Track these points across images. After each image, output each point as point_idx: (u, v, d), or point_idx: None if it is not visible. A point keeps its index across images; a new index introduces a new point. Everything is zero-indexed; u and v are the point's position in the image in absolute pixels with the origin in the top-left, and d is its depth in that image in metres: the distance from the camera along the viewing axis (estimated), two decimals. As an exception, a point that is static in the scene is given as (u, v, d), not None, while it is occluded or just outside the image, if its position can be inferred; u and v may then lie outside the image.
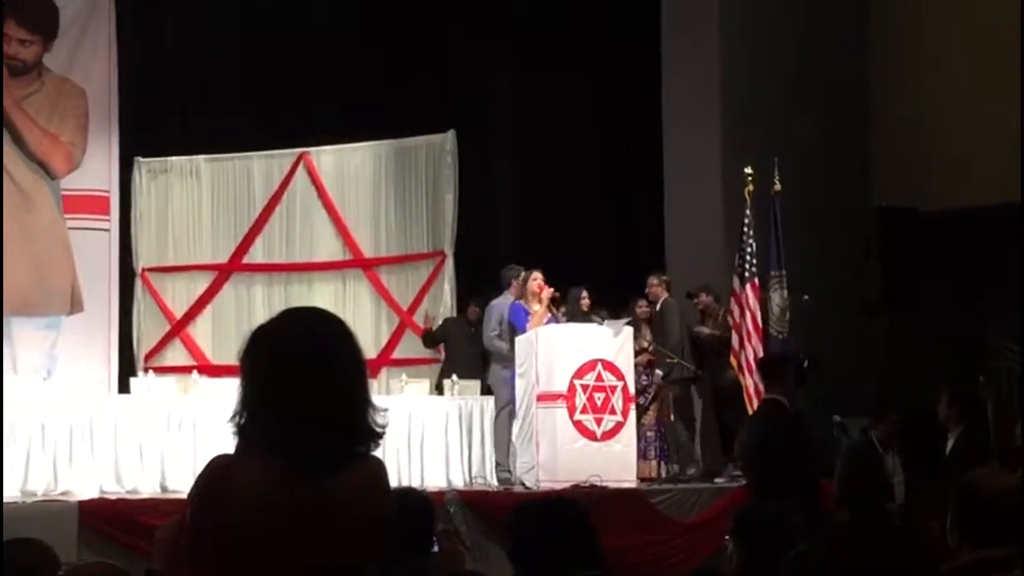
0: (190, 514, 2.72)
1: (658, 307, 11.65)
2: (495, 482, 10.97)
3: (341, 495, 2.73)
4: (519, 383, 10.87)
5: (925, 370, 11.90)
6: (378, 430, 2.80)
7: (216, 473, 2.74)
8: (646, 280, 11.77)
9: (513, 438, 11.00)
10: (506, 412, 11.04)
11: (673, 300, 11.66)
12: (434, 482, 10.78)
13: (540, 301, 11.03)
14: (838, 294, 12.53)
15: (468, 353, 11.98)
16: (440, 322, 12.75)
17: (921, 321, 12.77)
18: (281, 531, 2.68)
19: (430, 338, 12.73)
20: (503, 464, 11.04)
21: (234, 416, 2.77)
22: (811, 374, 11.76)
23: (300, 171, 13.65)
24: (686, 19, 13.33)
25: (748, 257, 11.50)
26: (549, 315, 11.05)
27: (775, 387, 8.24)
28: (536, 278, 11.11)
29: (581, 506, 3.86)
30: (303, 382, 2.74)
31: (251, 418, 2.76)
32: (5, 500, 9.25)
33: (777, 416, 8.14)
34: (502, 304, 11.36)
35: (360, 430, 2.78)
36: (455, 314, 12.74)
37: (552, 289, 11.11)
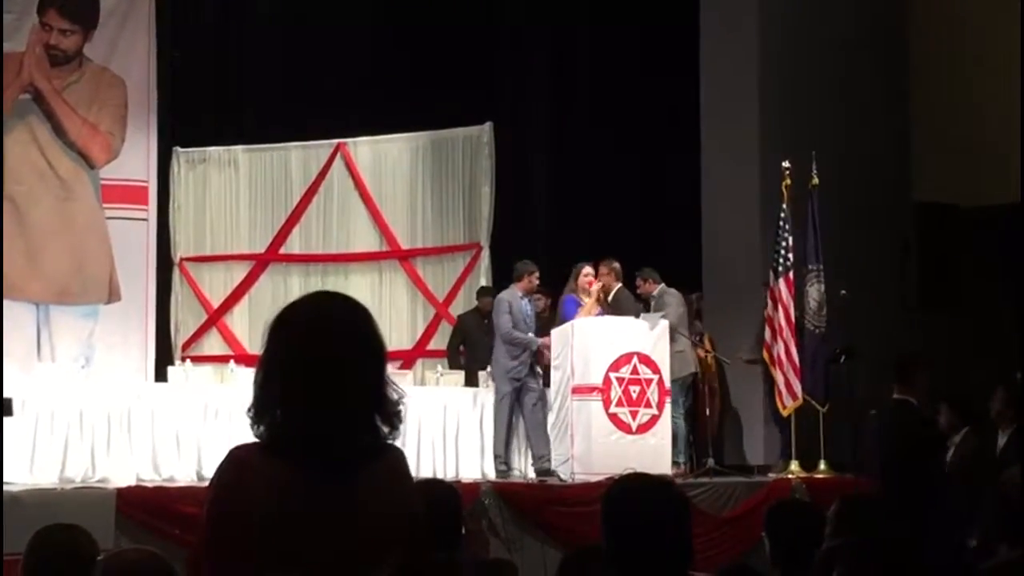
0: (209, 501, 2.72)
1: (610, 298, 11.40)
2: (531, 474, 10.97)
3: (361, 491, 2.72)
4: (554, 375, 10.86)
5: (964, 367, 11.83)
6: (397, 410, 2.78)
7: (235, 463, 2.73)
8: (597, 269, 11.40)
9: (548, 429, 10.99)
10: (506, 403, 10.97)
11: (626, 290, 11.58)
12: (469, 474, 10.80)
13: (592, 295, 11.01)
14: (877, 290, 12.46)
15: (485, 344, 11.97)
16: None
17: (960, 318, 12.70)
18: (300, 525, 2.67)
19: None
20: (501, 456, 10.89)
21: (250, 409, 2.77)
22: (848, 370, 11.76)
23: (337, 162, 13.69)
24: (725, 12, 13.27)
25: (783, 251, 11.47)
26: (600, 308, 11.02)
27: (906, 389, 8.03)
28: (588, 273, 11.07)
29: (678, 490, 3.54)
30: (315, 379, 2.71)
31: (262, 413, 2.74)
32: (43, 486, 9.38)
33: (910, 420, 7.99)
34: (508, 297, 11.12)
35: (378, 417, 2.76)
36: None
37: (602, 283, 11.09)
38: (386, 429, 2.78)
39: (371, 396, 2.76)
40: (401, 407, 2.80)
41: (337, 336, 2.77)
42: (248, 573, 2.65)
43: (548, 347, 10.95)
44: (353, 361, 2.75)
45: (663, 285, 11.55)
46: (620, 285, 11.52)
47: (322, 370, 2.72)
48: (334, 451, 2.70)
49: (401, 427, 2.81)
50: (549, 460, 10.83)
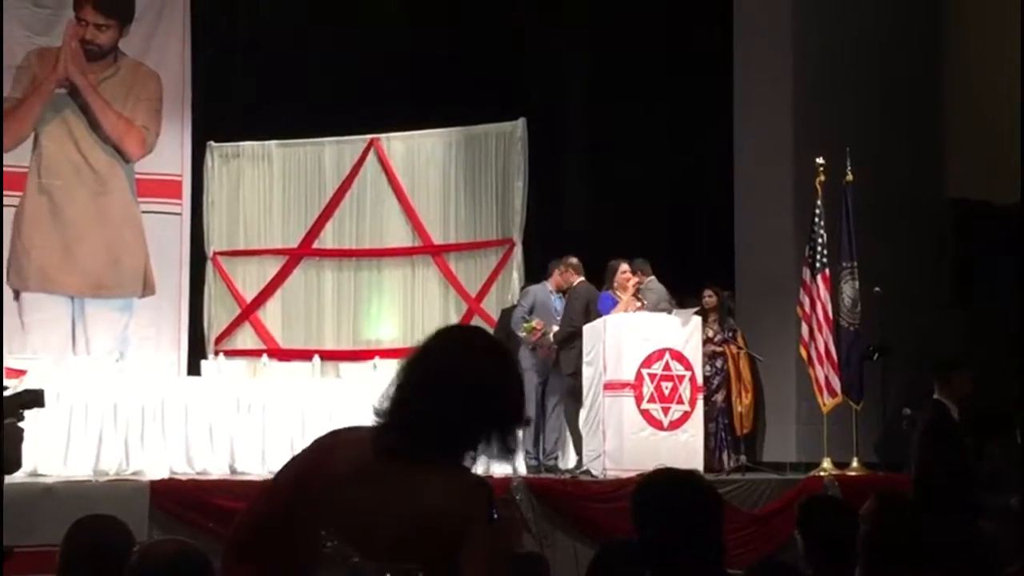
0: (296, 455, 2.88)
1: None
2: (566, 468, 10.97)
3: (430, 488, 2.77)
4: (586, 371, 10.86)
5: (998, 365, 11.75)
6: (508, 448, 2.86)
7: (332, 434, 2.91)
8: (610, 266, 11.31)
9: (580, 426, 10.99)
10: (533, 397, 10.94)
11: (585, 285, 11.43)
12: (500, 469, 10.79)
13: (627, 291, 11.02)
14: (911, 287, 12.39)
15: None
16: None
17: (994, 315, 12.61)
18: (361, 504, 2.76)
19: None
20: (531, 451, 10.98)
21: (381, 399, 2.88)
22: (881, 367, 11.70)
23: (371, 157, 13.71)
24: (759, 8, 13.22)
25: (819, 248, 11.42)
26: (638, 304, 11.02)
27: (944, 390, 8.16)
28: (625, 271, 11.08)
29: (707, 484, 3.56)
30: (430, 382, 2.83)
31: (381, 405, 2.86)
32: (77, 479, 9.45)
33: (937, 422, 8.09)
34: (535, 290, 11.35)
35: (484, 444, 2.84)
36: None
37: (637, 280, 11.08)
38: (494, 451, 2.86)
39: (481, 417, 2.82)
40: (512, 447, 2.87)
41: (475, 354, 2.87)
42: (306, 530, 2.76)
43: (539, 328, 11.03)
44: (478, 378, 2.83)
45: (652, 278, 11.46)
46: (581, 279, 11.40)
47: (443, 378, 2.83)
48: (417, 447, 2.78)
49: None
50: (557, 458, 11.03)
